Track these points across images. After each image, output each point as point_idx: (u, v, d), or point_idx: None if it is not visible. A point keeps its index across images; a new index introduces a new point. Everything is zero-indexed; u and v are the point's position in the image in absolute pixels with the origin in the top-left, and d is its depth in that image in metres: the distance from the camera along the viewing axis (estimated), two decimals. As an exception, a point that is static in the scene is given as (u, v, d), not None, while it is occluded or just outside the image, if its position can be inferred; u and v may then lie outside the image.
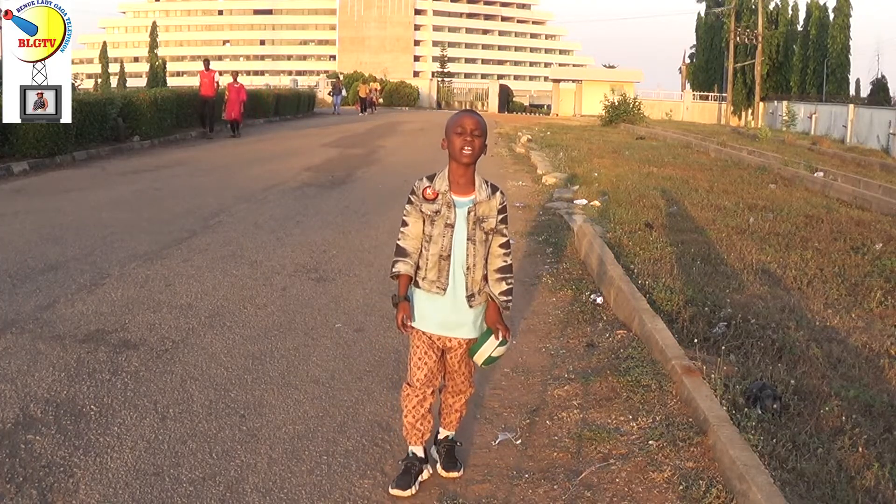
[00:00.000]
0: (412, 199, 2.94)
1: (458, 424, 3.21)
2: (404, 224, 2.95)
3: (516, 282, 6.08)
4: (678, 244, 7.34)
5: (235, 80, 19.48)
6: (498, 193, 2.96)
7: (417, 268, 2.95)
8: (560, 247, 7.42)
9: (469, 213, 2.90)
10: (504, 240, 2.97)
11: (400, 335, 3.36)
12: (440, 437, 3.20)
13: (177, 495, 2.93)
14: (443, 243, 2.90)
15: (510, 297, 2.99)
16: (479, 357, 2.97)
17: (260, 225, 8.08)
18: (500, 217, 2.94)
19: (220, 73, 19.93)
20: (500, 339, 2.94)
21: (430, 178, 2.94)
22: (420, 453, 3.12)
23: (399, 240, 2.96)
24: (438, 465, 3.15)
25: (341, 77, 49.45)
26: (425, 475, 3.13)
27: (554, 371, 4.32)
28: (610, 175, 12.66)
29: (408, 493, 3.02)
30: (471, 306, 2.94)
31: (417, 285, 2.96)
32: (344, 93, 39.69)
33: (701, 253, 7.03)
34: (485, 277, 2.96)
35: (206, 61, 19.54)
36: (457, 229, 2.90)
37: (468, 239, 2.90)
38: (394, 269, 2.94)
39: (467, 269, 2.91)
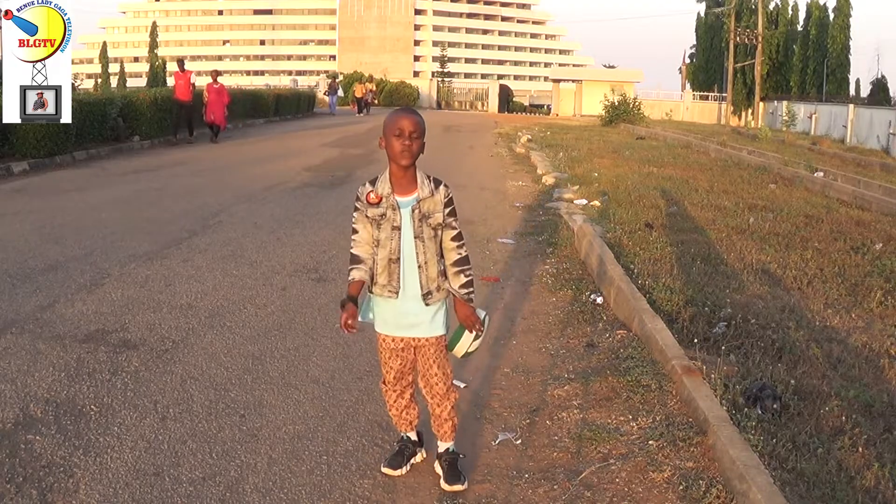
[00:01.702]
0: (358, 205, 2.93)
1: (454, 433, 3.13)
2: (354, 231, 2.95)
3: (517, 282, 6.14)
4: (678, 244, 7.34)
5: (215, 80, 17.72)
6: (441, 188, 2.93)
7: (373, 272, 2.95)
8: (560, 247, 7.42)
9: (413, 211, 2.88)
10: (455, 232, 2.95)
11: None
12: (440, 450, 3.12)
13: (177, 495, 2.93)
14: (391, 246, 2.89)
15: (471, 289, 2.97)
16: (458, 351, 3.03)
17: (260, 225, 8.08)
18: (447, 210, 2.92)
19: (211, 74, 18.10)
20: (475, 333, 2.97)
21: (373, 183, 2.92)
22: (413, 437, 3.20)
23: (352, 247, 2.96)
24: (442, 480, 3.07)
25: (341, 77, 49.35)
26: (418, 458, 3.21)
27: (554, 371, 4.32)
28: (610, 175, 12.66)
29: (398, 472, 3.12)
30: (427, 304, 2.93)
31: (370, 289, 2.96)
32: (340, 92, 39.25)
33: (701, 253, 7.02)
34: (443, 273, 2.95)
35: (181, 61, 17.87)
36: (404, 231, 2.89)
37: (416, 237, 2.89)
38: (349, 277, 2.95)
39: (419, 267, 2.91)
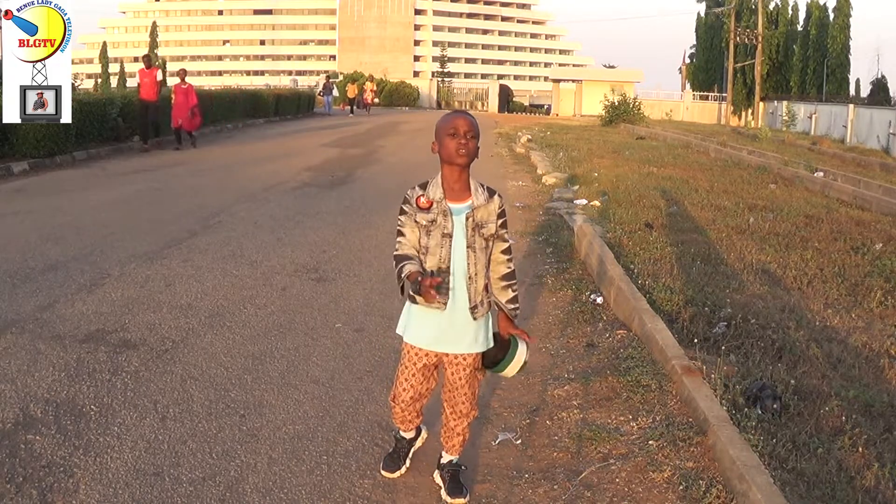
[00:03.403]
0: (406, 208, 2.77)
1: (462, 448, 3.04)
2: (400, 234, 2.78)
3: (517, 282, 6.12)
4: (678, 244, 7.34)
5: (183, 80, 15.75)
6: (496, 197, 2.80)
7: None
8: (560, 247, 7.42)
9: (467, 219, 2.74)
10: (506, 245, 2.84)
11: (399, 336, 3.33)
12: (443, 461, 3.04)
13: (177, 495, 2.93)
14: (441, 254, 2.73)
15: (518, 305, 2.87)
16: (511, 370, 2.88)
17: (260, 225, 8.08)
18: (500, 222, 2.79)
19: (179, 73, 16.08)
20: (528, 346, 2.86)
21: (423, 187, 2.77)
22: (411, 435, 3.17)
23: (396, 250, 2.77)
24: (443, 491, 3.01)
25: (340, 77, 49.33)
26: (419, 443, 3.22)
27: (554, 371, 4.32)
28: (610, 175, 12.66)
29: (396, 474, 3.12)
30: (475, 318, 2.78)
31: (414, 300, 2.78)
32: (335, 93, 38.98)
33: (701, 253, 7.02)
34: (486, 287, 2.82)
35: (147, 57, 15.86)
36: (455, 238, 2.74)
37: (468, 247, 2.74)
38: (403, 273, 2.69)
39: (469, 278, 2.75)
